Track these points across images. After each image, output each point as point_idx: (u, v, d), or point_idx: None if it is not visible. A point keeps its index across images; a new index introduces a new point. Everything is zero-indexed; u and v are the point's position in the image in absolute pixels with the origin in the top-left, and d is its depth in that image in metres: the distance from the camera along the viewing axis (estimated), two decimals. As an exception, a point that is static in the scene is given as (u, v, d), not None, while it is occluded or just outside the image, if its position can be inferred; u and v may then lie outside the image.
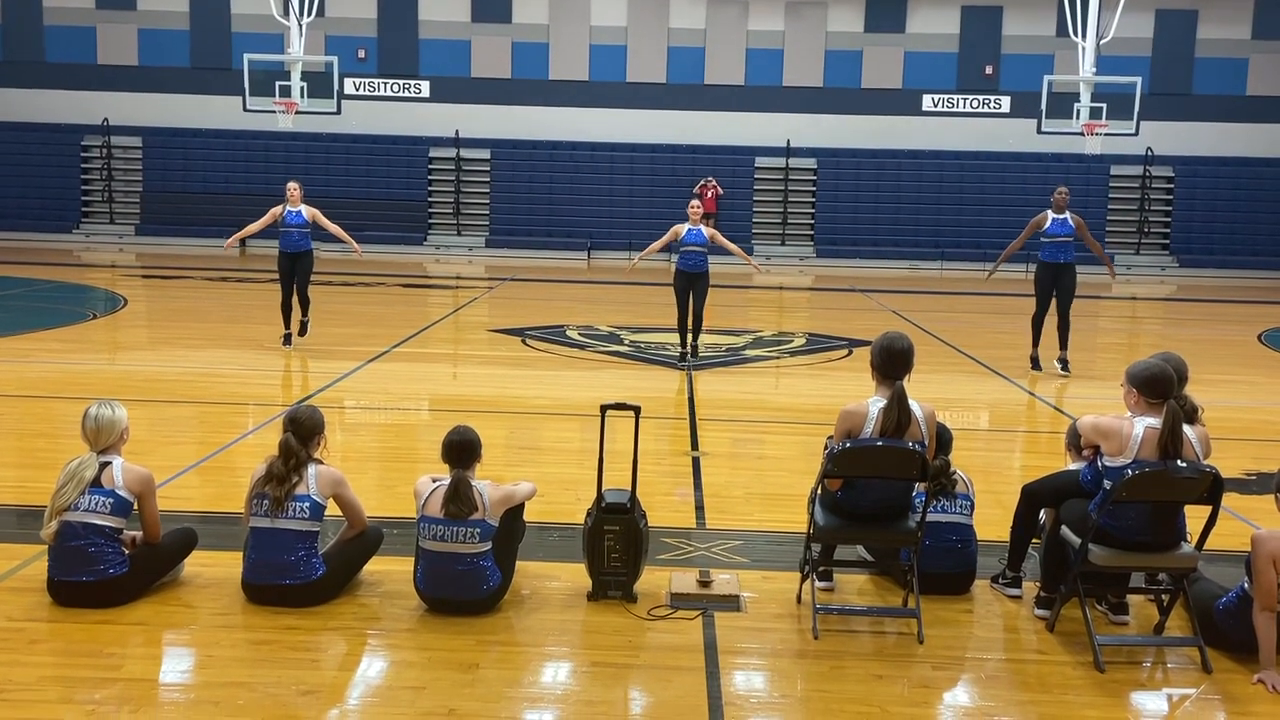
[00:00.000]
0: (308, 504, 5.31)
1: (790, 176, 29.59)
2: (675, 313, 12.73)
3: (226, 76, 27.51)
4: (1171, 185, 29.33)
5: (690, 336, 12.63)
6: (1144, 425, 4.99)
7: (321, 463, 5.49)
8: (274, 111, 24.17)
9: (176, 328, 15.30)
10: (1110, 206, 29.07)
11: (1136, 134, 24.07)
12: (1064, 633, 5.25)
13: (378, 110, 29.27)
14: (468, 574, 5.24)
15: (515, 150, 29.58)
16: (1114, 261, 27.74)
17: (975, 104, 29.19)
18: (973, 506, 5.89)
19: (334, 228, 12.97)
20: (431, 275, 24.84)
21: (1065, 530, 5.25)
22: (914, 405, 5.27)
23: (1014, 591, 5.71)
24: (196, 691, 4.53)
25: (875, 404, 5.28)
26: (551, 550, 6.18)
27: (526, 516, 5.67)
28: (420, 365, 12.65)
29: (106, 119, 29.27)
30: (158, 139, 29.51)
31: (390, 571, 5.69)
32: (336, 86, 24.75)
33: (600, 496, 5.53)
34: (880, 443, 5.17)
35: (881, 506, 5.37)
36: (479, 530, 5.25)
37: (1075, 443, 5.71)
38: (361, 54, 29.27)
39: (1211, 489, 4.93)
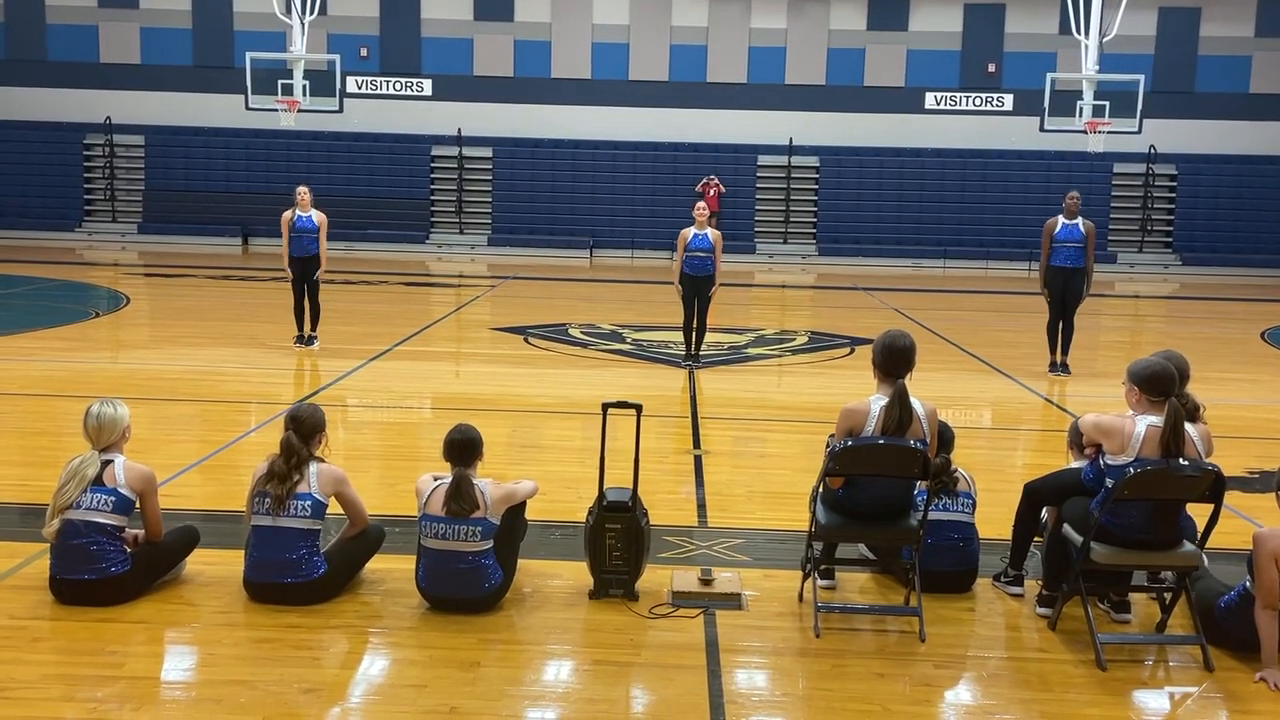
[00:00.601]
0: (309, 502, 5.31)
1: (793, 175, 29.57)
2: (679, 312, 12.70)
3: (229, 75, 27.52)
4: (1174, 183, 29.29)
5: (695, 341, 12.57)
6: (1146, 423, 4.99)
7: (323, 461, 5.49)
8: (276, 110, 24.18)
9: (178, 326, 15.31)
10: (1113, 205, 29.03)
11: (1139, 132, 24.03)
12: (1066, 631, 5.25)
13: (380, 109, 29.27)
14: (469, 572, 5.24)
15: (518, 148, 29.57)
16: (1116, 260, 28.02)
17: (978, 102, 29.15)
18: (974, 505, 5.88)
19: (323, 243, 12.86)
20: (434, 274, 24.84)
21: (1067, 528, 5.25)
22: (916, 403, 5.27)
23: (1016, 590, 5.71)
24: (198, 689, 4.54)
25: (877, 402, 5.28)
26: (553, 548, 6.18)
27: (528, 515, 5.67)
28: (422, 364, 12.65)
29: (109, 117, 29.28)
30: (160, 137, 29.52)
31: (392, 570, 5.69)
32: (339, 85, 24.73)
33: (602, 495, 5.54)
34: (882, 441, 5.17)
35: (883, 505, 5.37)
36: (480, 528, 5.25)
37: (1077, 441, 5.71)
38: (364, 52, 29.27)
39: (1213, 487, 4.92)
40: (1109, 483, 4.99)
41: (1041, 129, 24.34)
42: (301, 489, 5.31)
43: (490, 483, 5.36)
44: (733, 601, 5.46)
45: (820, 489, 5.44)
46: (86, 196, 29.87)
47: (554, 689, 4.64)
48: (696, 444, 8.89)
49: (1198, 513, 5.28)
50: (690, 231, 12.35)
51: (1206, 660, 4.92)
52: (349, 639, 5.03)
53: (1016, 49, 28.96)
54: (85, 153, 29.79)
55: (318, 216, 12.72)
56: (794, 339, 15.30)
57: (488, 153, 29.66)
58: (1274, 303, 22.14)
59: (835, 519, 5.39)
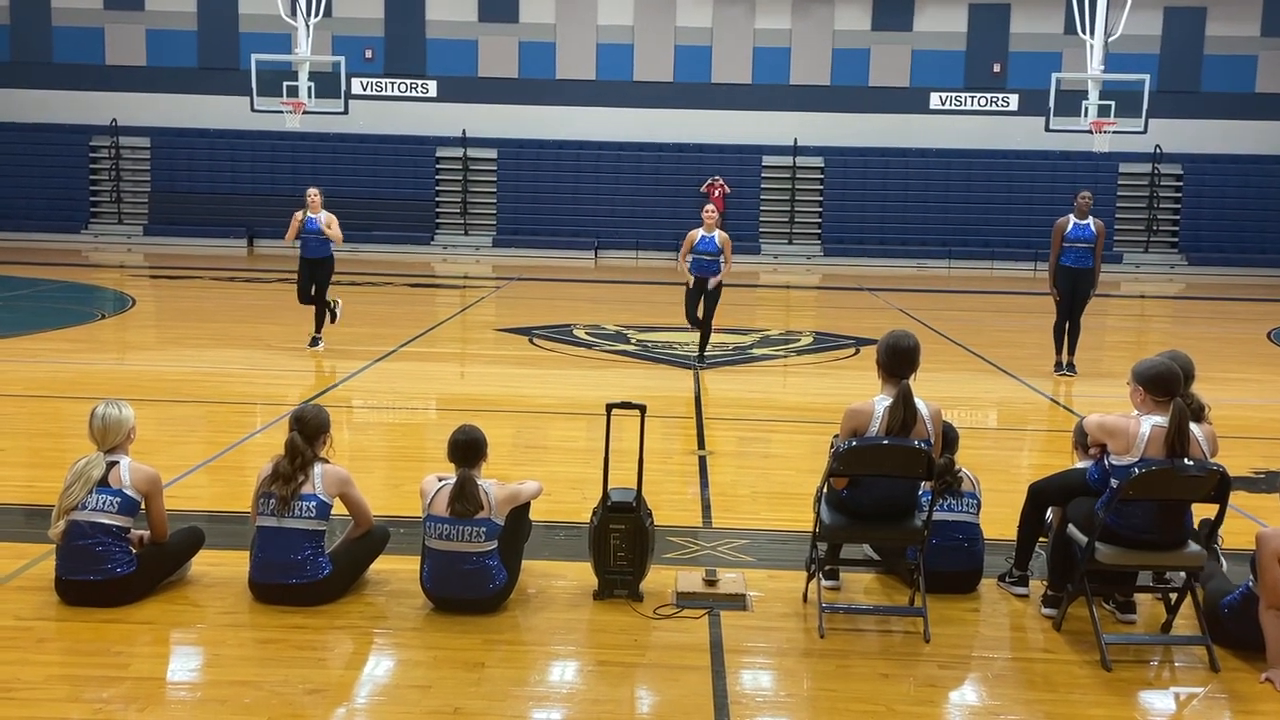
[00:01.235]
0: (314, 503, 5.32)
1: (797, 175, 29.56)
2: (683, 313, 12.67)
3: (234, 77, 27.56)
4: (1180, 183, 29.25)
5: (700, 341, 12.55)
6: (1150, 424, 4.98)
7: (328, 462, 5.50)
8: (281, 111, 24.22)
9: (184, 328, 15.33)
10: (1119, 204, 28.97)
11: (1145, 131, 23.99)
12: (1071, 631, 5.24)
13: (385, 110, 29.29)
14: (474, 573, 5.24)
15: (522, 149, 29.58)
16: (1122, 260, 27.97)
17: (983, 102, 29.12)
18: (979, 505, 5.88)
19: (336, 233, 12.87)
20: (439, 275, 24.86)
21: (1072, 529, 5.24)
22: (920, 404, 5.27)
23: (1021, 590, 5.70)
24: (203, 690, 4.54)
25: (881, 402, 5.28)
26: (558, 549, 6.18)
27: (533, 515, 5.67)
28: (427, 364, 12.66)
29: (114, 119, 29.34)
30: (165, 139, 29.57)
31: (396, 570, 5.69)
32: (344, 86, 24.75)
33: (606, 495, 5.54)
34: (886, 441, 5.17)
35: (887, 505, 5.36)
36: (485, 529, 5.26)
37: (1082, 441, 5.70)
38: (368, 54, 29.30)
39: (1218, 487, 4.91)
40: (1114, 483, 4.98)
41: (1047, 129, 24.31)
42: (306, 490, 5.32)
43: (495, 483, 5.37)
44: (737, 602, 5.46)
45: (825, 489, 5.44)
46: (92, 198, 29.93)
47: (558, 690, 4.65)
48: (701, 444, 8.88)
49: (1198, 513, 5.26)
50: (698, 233, 12.35)
51: (1212, 661, 4.91)
52: (354, 640, 5.04)
53: (1021, 49, 28.93)
54: (91, 154, 29.86)
55: (326, 217, 12.73)
56: (799, 339, 15.29)
57: (492, 154, 29.68)
58: (1280, 302, 22.10)
59: (840, 519, 5.39)
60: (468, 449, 5.37)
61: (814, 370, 12.97)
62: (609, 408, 5.60)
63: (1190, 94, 28.69)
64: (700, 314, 12.39)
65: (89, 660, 4.74)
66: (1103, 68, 23.17)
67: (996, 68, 29.13)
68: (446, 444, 5.40)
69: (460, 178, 29.75)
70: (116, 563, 5.22)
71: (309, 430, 5.43)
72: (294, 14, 24.11)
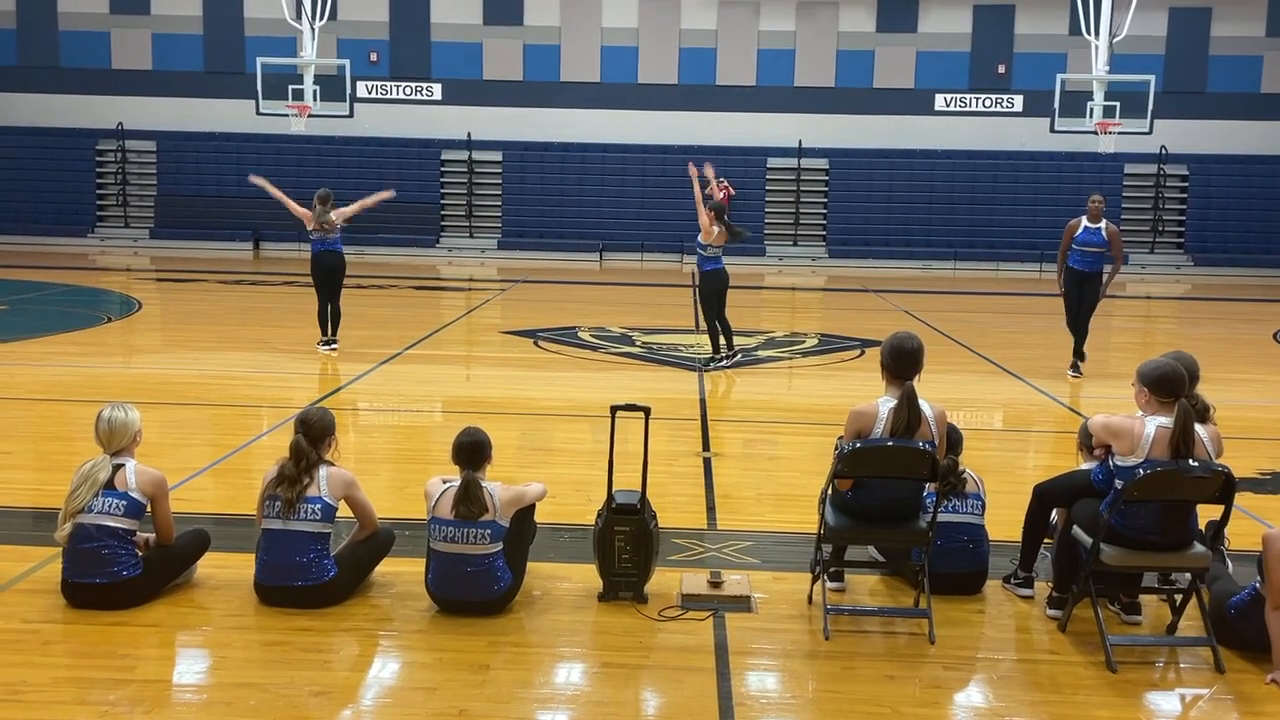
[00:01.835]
0: (319, 505, 5.33)
1: (802, 177, 29.55)
2: (688, 315, 12.68)
3: (239, 80, 27.61)
4: (1186, 184, 29.20)
5: (722, 338, 12.56)
6: (1155, 424, 4.98)
7: (333, 464, 5.51)
8: (287, 115, 24.28)
9: (190, 331, 15.36)
10: (1124, 205, 28.93)
11: (1150, 132, 23.97)
12: (1076, 633, 5.23)
13: (390, 113, 29.34)
14: (479, 575, 5.25)
15: (527, 152, 29.61)
16: (1128, 261, 27.86)
17: (988, 103, 29.10)
18: (984, 506, 5.88)
19: (353, 208, 12.97)
20: (444, 277, 24.88)
21: (1077, 530, 5.24)
22: (924, 405, 5.27)
23: (1026, 592, 5.69)
24: (209, 693, 4.55)
25: (885, 404, 5.28)
26: (562, 551, 6.19)
27: (537, 518, 5.68)
28: (433, 367, 12.68)
29: (121, 123, 29.42)
30: (171, 143, 29.63)
31: (401, 573, 5.70)
32: (349, 90, 24.81)
33: (611, 497, 5.54)
34: (890, 443, 5.17)
35: (892, 506, 5.36)
36: (489, 531, 5.26)
37: (1087, 442, 5.70)
38: (373, 57, 29.34)
39: (1223, 488, 4.91)
40: (1118, 484, 4.97)
41: (1052, 130, 24.31)
42: (311, 492, 5.33)
43: (499, 485, 5.38)
44: (742, 604, 5.46)
45: (829, 491, 5.44)
46: (99, 202, 30.01)
47: (563, 691, 4.65)
48: (706, 447, 8.88)
49: (1203, 515, 5.26)
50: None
51: (1217, 662, 4.91)
52: (359, 642, 5.05)
53: (1026, 50, 28.91)
54: (97, 158, 29.94)
55: (335, 214, 12.78)
56: (804, 341, 15.29)
57: (497, 156, 29.71)
58: (1286, 303, 22.04)
59: (844, 521, 5.39)
60: (472, 451, 5.37)
61: (819, 372, 12.97)
62: (614, 410, 5.61)
63: (1196, 94, 28.65)
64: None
65: (95, 663, 4.75)
66: (1108, 68, 23.16)
67: (1001, 69, 29.11)
68: (451, 446, 5.41)
69: (465, 180, 29.79)
70: (122, 565, 5.23)
71: (314, 433, 5.44)
72: (299, 18, 24.16)
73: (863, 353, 14.02)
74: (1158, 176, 29.00)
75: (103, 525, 5.22)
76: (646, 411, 5.59)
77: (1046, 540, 5.71)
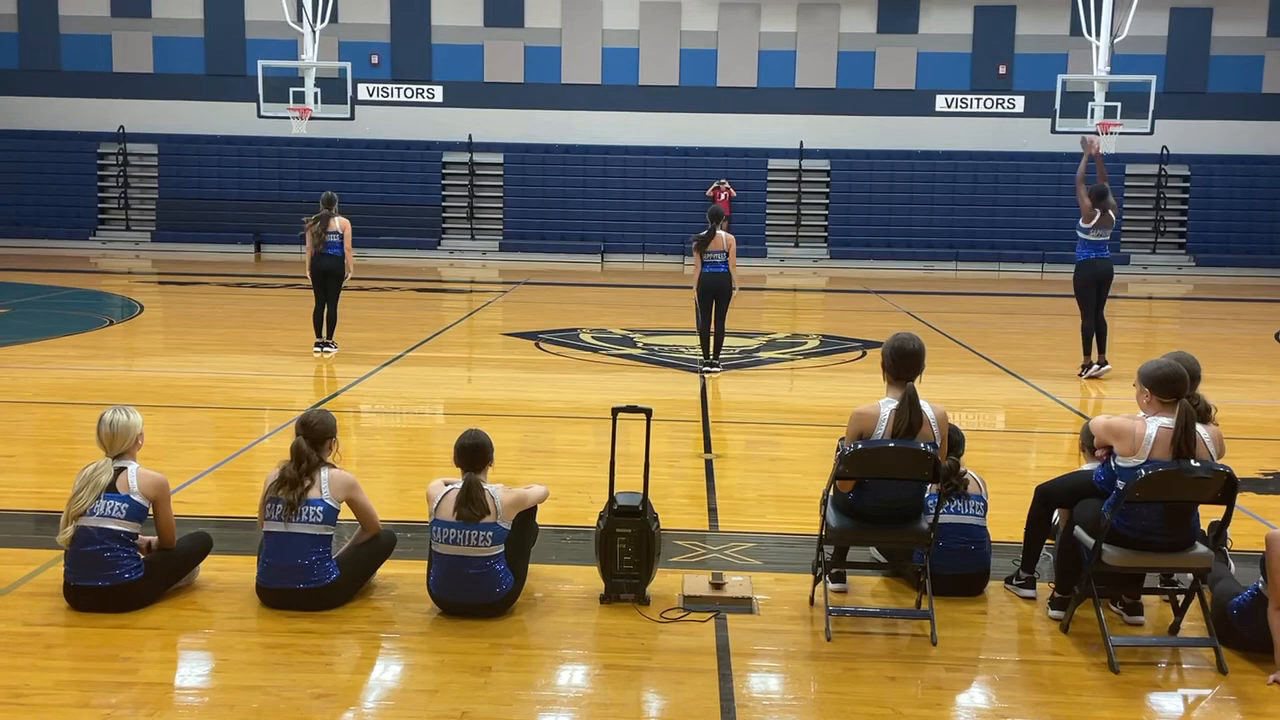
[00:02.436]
0: (321, 508, 5.33)
1: (803, 178, 29.55)
2: (690, 316, 12.67)
3: (241, 83, 27.62)
4: (1187, 184, 29.19)
5: (713, 345, 12.51)
6: (1157, 425, 4.98)
7: (334, 467, 5.51)
8: (288, 118, 24.28)
9: (192, 333, 15.37)
10: (1126, 206, 28.91)
11: (1151, 133, 23.95)
12: (1078, 634, 5.23)
13: (391, 115, 29.35)
14: (480, 577, 5.25)
15: (528, 154, 29.62)
16: (1129, 261, 27.90)
17: (989, 104, 29.08)
18: (985, 507, 5.87)
19: (348, 250, 12.95)
20: (445, 279, 24.89)
21: (1079, 531, 5.24)
22: (926, 406, 5.27)
23: (1028, 593, 5.69)
24: (211, 695, 4.55)
25: (887, 405, 5.28)
26: (564, 553, 6.19)
27: (539, 519, 5.69)
28: (434, 369, 12.68)
29: (122, 126, 29.44)
30: (173, 146, 29.66)
31: (403, 575, 5.70)
32: (350, 92, 24.81)
33: (612, 499, 5.54)
34: (892, 444, 5.17)
35: (893, 508, 5.36)
36: (491, 533, 5.27)
37: (1089, 443, 5.69)
38: (374, 60, 29.36)
39: (1225, 489, 4.90)
40: (1120, 484, 4.97)
41: (1053, 130, 24.27)
42: (313, 495, 5.33)
43: (501, 488, 5.38)
44: (744, 605, 5.46)
45: (831, 492, 5.44)
46: (100, 205, 30.03)
47: (565, 693, 4.65)
48: (708, 448, 8.88)
49: (1205, 515, 5.25)
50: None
51: (1220, 662, 4.90)
52: (361, 644, 5.05)
53: (1027, 50, 28.90)
54: (99, 161, 29.96)
55: (339, 222, 12.77)
56: (805, 342, 15.29)
57: (498, 158, 29.73)
58: (1288, 303, 22.02)
59: (846, 522, 5.39)
60: (473, 453, 5.38)
61: (820, 373, 12.97)
62: (615, 411, 5.61)
63: (1197, 94, 28.64)
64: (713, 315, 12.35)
65: (97, 666, 4.76)
66: (1109, 69, 23.14)
67: (1002, 69, 29.10)
68: (452, 449, 5.42)
69: (467, 182, 29.80)
70: (125, 568, 5.23)
71: (315, 435, 5.44)
72: (300, 20, 24.18)
73: (864, 354, 14.02)
74: (1159, 177, 28.99)
75: (105, 528, 5.22)
76: (648, 413, 5.59)
77: (1049, 541, 5.71)
